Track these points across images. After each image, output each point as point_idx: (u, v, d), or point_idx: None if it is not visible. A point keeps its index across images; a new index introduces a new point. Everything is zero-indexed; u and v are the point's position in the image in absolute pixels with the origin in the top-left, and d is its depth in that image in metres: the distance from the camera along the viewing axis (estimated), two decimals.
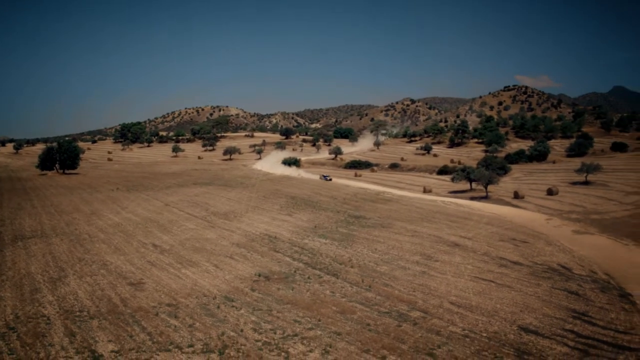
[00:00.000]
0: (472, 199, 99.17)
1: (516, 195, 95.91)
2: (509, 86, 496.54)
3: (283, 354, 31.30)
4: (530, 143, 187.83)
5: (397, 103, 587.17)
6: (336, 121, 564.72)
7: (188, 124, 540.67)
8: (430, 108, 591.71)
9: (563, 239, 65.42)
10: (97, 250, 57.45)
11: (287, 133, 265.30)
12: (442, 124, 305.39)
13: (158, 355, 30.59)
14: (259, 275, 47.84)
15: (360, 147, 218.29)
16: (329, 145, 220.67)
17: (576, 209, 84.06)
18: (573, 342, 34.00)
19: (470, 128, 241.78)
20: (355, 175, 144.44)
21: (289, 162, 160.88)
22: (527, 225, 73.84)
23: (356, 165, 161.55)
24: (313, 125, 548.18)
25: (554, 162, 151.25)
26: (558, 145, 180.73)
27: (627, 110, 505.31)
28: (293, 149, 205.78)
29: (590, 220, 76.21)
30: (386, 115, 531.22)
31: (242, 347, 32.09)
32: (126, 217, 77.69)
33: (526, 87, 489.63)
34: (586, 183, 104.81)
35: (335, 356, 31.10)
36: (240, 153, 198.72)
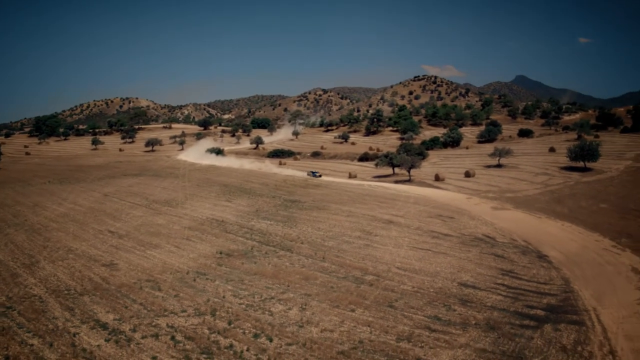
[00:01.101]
0: (396, 182, 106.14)
1: (437, 178, 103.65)
2: (418, 76, 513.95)
3: (267, 312, 36.22)
4: (442, 130, 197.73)
5: (309, 93, 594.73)
6: (249, 111, 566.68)
7: (97, 116, 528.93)
8: (342, 98, 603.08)
9: (484, 214, 72.92)
10: (57, 238, 59.84)
11: (205, 124, 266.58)
12: (356, 114, 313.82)
13: (158, 319, 34.77)
14: (221, 253, 52.17)
15: (279, 137, 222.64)
16: (248, 135, 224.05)
17: (492, 188, 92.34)
18: (505, 292, 40.63)
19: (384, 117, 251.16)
20: (280, 163, 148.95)
21: (214, 152, 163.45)
22: (451, 204, 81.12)
23: (279, 154, 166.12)
24: (226, 116, 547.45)
25: (467, 147, 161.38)
26: (469, 132, 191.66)
27: (529, 98, 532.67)
28: (214, 140, 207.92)
29: (506, 198, 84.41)
30: (299, 105, 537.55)
31: (230, 309, 36.73)
32: (70, 207, 79.49)
33: (435, 77, 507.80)
34: (499, 166, 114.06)
35: (312, 311, 36.28)
36: (161, 144, 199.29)
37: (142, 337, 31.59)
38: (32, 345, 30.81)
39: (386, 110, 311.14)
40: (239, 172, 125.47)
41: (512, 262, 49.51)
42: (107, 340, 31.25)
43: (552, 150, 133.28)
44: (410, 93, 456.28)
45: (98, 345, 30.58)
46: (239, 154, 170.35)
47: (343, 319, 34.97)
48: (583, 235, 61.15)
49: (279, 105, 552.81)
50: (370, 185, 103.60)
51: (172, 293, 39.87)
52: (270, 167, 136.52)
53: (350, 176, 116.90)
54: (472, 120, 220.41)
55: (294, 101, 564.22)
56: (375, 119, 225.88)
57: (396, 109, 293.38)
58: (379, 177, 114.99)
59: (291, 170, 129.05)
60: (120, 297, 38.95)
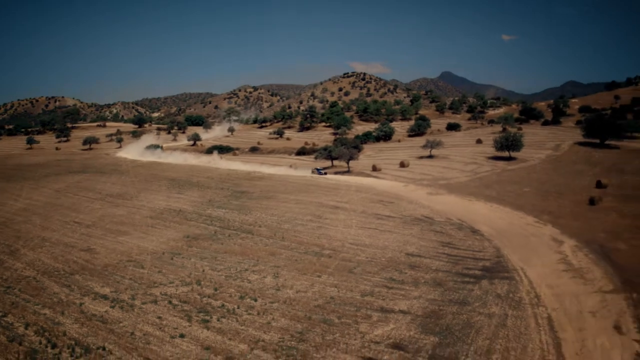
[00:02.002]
0: (336, 173, 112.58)
1: (374, 168, 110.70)
2: (347, 73, 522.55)
3: (245, 280, 41.74)
4: (374, 125, 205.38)
5: (239, 90, 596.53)
6: (179, 110, 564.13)
7: (23, 116, 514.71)
8: (272, 95, 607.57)
9: (421, 199, 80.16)
10: (26, 229, 63.10)
11: (139, 122, 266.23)
12: (288, 110, 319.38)
13: (151, 290, 39.75)
14: (188, 237, 57.09)
15: (215, 134, 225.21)
16: (184, 132, 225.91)
17: (426, 177, 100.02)
18: (446, 259, 47.48)
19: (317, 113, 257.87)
20: (220, 158, 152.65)
21: (155, 149, 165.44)
22: (389, 191, 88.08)
23: (218, 149, 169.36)
24: (155, 115, 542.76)
25: (399, 141, 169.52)
26: (400, 127, 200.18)
27: (454, 93, 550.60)
28: (152, 137, 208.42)
29: (439, 184, 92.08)
30: (229, 102, 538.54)
31: (212, 279, 42.05)
32: (27, 202, 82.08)
33: (364, 74, 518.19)
34: (431, 157, 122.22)
35: (284, 278, 42.03)
36: (98, 143, 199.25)
37: (143, 304, 36.54)
38: (45, 314, 35.22)
39: (317, 106, 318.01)
40: (183, 167, 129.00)
41: (449, 236, 56.52)
42: (112, 307, 36.00)
43: (479, 141, 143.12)
44: (340, 90, 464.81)
45: (105, 311, 35.30)
46: (178, 150, 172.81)
47: (312, 282, 40.85)
48: (510, 214, 68.97)
49: (210, 102, 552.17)
50: (312, 176, 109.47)
51: (155, 270, 44.71)
52: (211, 162, 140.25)
53: (291, 168, 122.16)
54: (402, 116, 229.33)
55: (224, 99, 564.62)
56: (308, 115, 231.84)
57: (327, 105, 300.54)
58: (319, 169, 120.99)
59: (233, 165, 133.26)
60: (109, 275, 43.48)
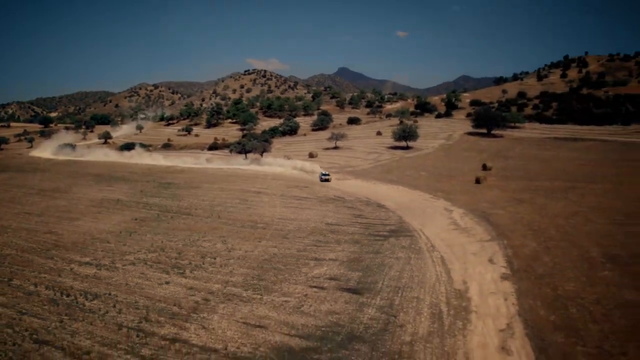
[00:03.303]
0: (251, 164, 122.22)
1: (287, 159, 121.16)
2: (248, 70, 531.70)
3: (200, 247, 51.09)
4: (278, 121, 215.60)
5: (140, 89, 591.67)
6: (79, 109, 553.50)
7: None
8: (172, 92, 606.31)
9: (331, 184, 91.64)
10: None
11: (45, 122, 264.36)
12: (193, 108, 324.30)
13: (125, 257, 48.26)
14: (136, 219, 65.26)
15: (123, 132, 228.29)
16: (92, 131, 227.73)
17: (334, 165, 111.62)
18: (359, 225, 58.69)
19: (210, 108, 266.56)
20: (138, 154, 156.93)
21: (69, 147, 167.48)
22: (302, 178, 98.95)
23: (131, 146, 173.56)
24: (53, 114, 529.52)
25: (304, 135, 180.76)
26: (303, 122, 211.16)
27: (352, 89, 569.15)
28: (62, 136, 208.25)
29: (346, 171, 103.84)
30: (130, 101, 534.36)
31: (172, 247, 51.10)
32: None
33: (265, 71, 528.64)
34: (336, 148, 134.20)
35: (231, 244, 51.72)
36: (7, 143, 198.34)
37: (123, 266, 45.24)
38: (44, 277, 43.11)
39: (219, 103, 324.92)
40: (102, 164, 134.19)
41: (360, 210, 67.91)
42: (98, 269, 44.44)
43: (379, 134, 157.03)
44: (242, 87, 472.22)
45: (94, 273, 43.70)
46: (92, 148, 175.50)
47: (255, 246, 50.86)
48: (409, 192, 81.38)
49: (110, 101, 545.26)
50: (229, 168, 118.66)
51: (120, 243, 53.10)
52: (129, 158, 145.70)
53: (207, 162, 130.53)
54: (304, 111, 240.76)
55: (125, 97, 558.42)
56: (215, 112, 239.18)
57: (229, 102, 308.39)
58: (234, 162, 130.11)
59: (151, 160, 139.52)
60: (82, 249, 51.42)
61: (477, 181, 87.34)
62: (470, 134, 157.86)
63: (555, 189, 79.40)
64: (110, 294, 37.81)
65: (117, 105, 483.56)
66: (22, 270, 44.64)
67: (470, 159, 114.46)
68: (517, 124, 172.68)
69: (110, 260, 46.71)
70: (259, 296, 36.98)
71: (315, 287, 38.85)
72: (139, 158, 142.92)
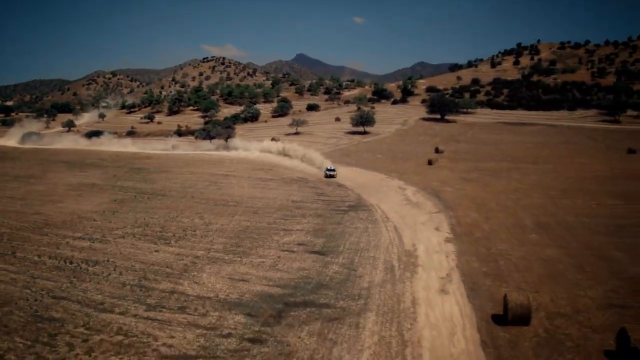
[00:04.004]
0: (216, 150, 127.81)
1: (243, 147, 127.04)
2: (207, 58, 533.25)
3: (180, 222, 56.86)
4: (239, 108, 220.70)
5: (98, 77, 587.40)
6: (36, 98, 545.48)
7: None
8: (131, 80, 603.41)
9: (294, 166, 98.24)
10: None
11: (6, 111, 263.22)
12: (154, 96, 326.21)
13: (113, 232, 53.68)
14: (115, 200, 70.46)
15: (85, 120, 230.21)
16: (54, 119, 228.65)
17: (284, 152, 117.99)
18: (322, 202, 65.32)
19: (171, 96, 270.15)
20: (106, 142, 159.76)
21: (34, 136, 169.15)
22: (267, 161, 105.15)
23: (97, 134, 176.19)
24: (9, 103, 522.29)
25: (265, 121, 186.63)
26: (264, 109, 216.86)
27: (309, 75, 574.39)
28: (24, 125, 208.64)
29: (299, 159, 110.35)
30: (88, 89, 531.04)
31: (155, 223, 56.70)
32: None
33: (224, 58, 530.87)
34: (297, 133, 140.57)
35: (208, 219, 57.68)
36: None
37: (114, 239, 50.80)
38: (44, 249, 47.92)
39: (178, 91, 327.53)
40: (70, 151, 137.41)
41: (322, 189, 74.59)
42: (92, 242, 49.79)
43: (337, 119, 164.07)
44: (201, 74, 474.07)
45: (89, 245, 49.03)
46: (59, 136, 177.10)
47: (230, 220, 57.01)
48: (366, 173, 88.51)
49: (68, 89, 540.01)
50: (195, 153, 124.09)
51: (106, 221, 58.41)
52: (96, 145, 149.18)
53: (173, 148, 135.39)
54: (264, 98, 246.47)
55: (83, 85, 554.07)
56: (177, 100, 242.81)
57: (189, 89, 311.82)
58: (199, 148, 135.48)
59: (118, 147, 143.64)
60: (72, 226, 56.47)
61: (430, 163, 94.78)
62: (424, 119, 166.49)
63: (501, 169, 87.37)
64: (108, 261, 43.44)
65: (75, 94, 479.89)
66: (22, 245, 49.42)
67: (424, 142, 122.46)
68: (469, 110, 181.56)
69: (101, 235, 52.10)
70: (239, 259, 43.24)
71: (286, 250, 45.31)
72: (109, 145, 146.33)
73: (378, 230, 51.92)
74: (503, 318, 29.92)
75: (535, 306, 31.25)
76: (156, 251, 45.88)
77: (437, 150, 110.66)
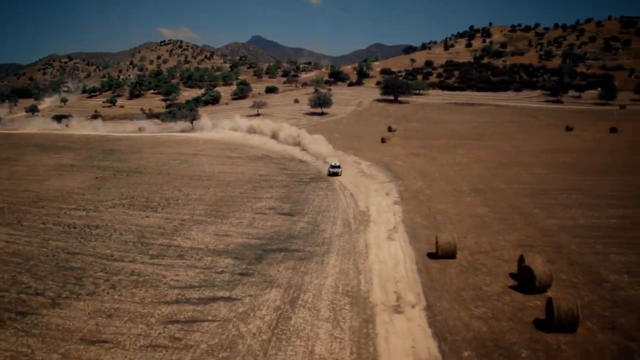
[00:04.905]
0: (182, 131, 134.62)
1: (215, 126, 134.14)
2: (164, 41, 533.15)
3: (162, 194, 64.16)
4: (199, 91, 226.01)
5: (54, 61, 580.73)
6: None
7: None
8: (87, 64, 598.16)
9: (258, 145, 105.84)
10: None
11: None
12: (114, 80, 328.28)
13: (102, 203, 60.60)
14: (97, 178, 76.96)
15: (47, 105, 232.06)
16: (16, 104, 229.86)
17: (258, 129, 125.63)
18: (286, 175, 73.46)
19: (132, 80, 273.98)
20: (67, 125, 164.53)
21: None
22: (233, 141, 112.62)
23: (65, 117, 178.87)
24: None
25: (227, 103, 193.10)
26: (224, 92, 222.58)
27: (266, 58, 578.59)
28: None
29: (270, 135, 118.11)
30: (44, 73, 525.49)
31: (139, 195, 63.81)
32: None
33: (181, 42, 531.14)
34: (258, 115, 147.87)
35: (187, 191, 65.17)
36: None
37: (106, 209, 57.88)
38: (45, 218, 54.65)
39: (136, 74, 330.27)
40: (39, 135, 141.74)
41: (285, 165, 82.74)
42: (87, 212, 56.75)
43: (296, 101, 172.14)
44: (159, 57, 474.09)
45: (85, 214, 56.03)
46: (27, 121, 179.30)
47: (206, 192, 64.71)
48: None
49: (23, 74, 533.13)
50: (162, 135, 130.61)
51: (94, 195, 65.16)
52: (64, 129, 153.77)
53: (140, 130, 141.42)
54: (223, 81, 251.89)
55: (39, 69, 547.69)
56: (138, 84, 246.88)
57: (147, 73, 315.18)
58: (165, 130, 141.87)
59: (85, 131, 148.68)
60: (64, 200, 63.12)
61: (383, 141, 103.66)
62: (379, 100, 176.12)
63: (447, 146, 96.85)
64: (107, 225, 50.76)
65: (31, 79, 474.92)
66: (24, 216, 56.03)
67: (377, 122, 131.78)
68: (421, 91, 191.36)
69: (94, 206, 59.17)
70: (220, 220, 51.18)
71: (259, 213, 53.45)
72: (80, 128, 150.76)
73: (336, 196, 60.39)
74: (435, 255, 38.55)
75: (462, 247, 40.05)
76: (147, 217, 53.37)
77: (390, 129, 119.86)
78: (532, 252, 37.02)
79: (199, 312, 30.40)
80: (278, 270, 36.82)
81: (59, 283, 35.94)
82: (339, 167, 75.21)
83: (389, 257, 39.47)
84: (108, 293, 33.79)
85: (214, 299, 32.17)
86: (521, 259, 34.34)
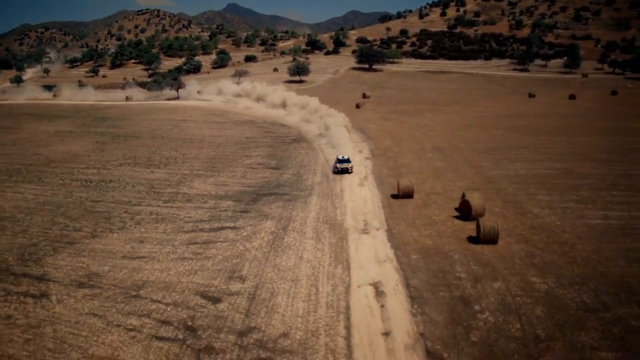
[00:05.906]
0: (167, 100, 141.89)
1: (199, 93, 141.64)
2: (142, 10, 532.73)
3: (161, 154, 72.34)
4: (179, 60, 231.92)
5: (30, 31, 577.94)
6: None
7: None
8: (64, 34, 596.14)
9: (242, 111, 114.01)
10: None
11: None
12: (87, 49, 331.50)
13: (109, 163, 68.85)
14: (97, 142, 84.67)
15: (30, 75, 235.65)
16: None
17: (244, 92, 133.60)
18: (270, 138, 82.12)
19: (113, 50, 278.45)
20: (54, 95, 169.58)
21: None
22: (218, 108, 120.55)
23: (50, 88, 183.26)
24: None
25: (208, 72, 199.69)
26: (204, 61, 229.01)
27: (242, 25, 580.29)
28: None
29: (255, 100, 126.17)
30: (21, 44, 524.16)
31: (140, 156, 72.17)
32: None
33: (158, 11, 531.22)
34: (239, 83, 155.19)
35: (182, 152, 73.64)
36: None
37: (114, 167, 66.03)
38: (62, 175, 62.79)
39: (116, 44, 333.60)
40: (29, 105, 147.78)
41: (268, 129, 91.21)
42: (97, 170, 64.91)
43: (275, 70, 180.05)
44: (137, 27, 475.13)
45: (96, 172, 63.98)
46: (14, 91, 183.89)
47: (200, 152, 73.17)
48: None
49: (0, 45, 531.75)
50: (150, 103, 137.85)
51: (99, 156, 73.09)
52: (53, 99, 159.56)
53: (128, 99, 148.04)
54: (203, 50, 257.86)
55: (15, 40, 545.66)
56: (119, 54, 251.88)
57: (125, 42, 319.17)
58: (151, 98, 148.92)
59: (75, 100, 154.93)
60: (73, 161, 70.88)
61: (357, 106, 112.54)
62: (354, 68, 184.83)
63: (417, 111, 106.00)
64: (119, 179, 59.10)
65: (7, 49, 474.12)
66: (42, 174, 63.66)
67: (353, 89, 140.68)
68: (395, 60, 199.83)
69: (102, 165, 67.32)
70: (216, 174, 59.89)
71: (250, 168, 62.23)
72: (71, 97, 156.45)
73: (316, 154, 69.32)
74: (397, 195, 47.84)
75: (419, 190, 49.36)
76: (152, 172, 61.80)
77: (364, 96, 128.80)
78: (472, 190, 46.30)
79: (212, 236, 39.30)
80: (271, 208, 45.82)
81: (92, 222, 44.38)
82: (348, 161, 59.35)
83: (359, 197, 48.75)
84: (135, 227, 42.39)
85: (222, 228, 41.07)
86: (463, 195, 43.76)
